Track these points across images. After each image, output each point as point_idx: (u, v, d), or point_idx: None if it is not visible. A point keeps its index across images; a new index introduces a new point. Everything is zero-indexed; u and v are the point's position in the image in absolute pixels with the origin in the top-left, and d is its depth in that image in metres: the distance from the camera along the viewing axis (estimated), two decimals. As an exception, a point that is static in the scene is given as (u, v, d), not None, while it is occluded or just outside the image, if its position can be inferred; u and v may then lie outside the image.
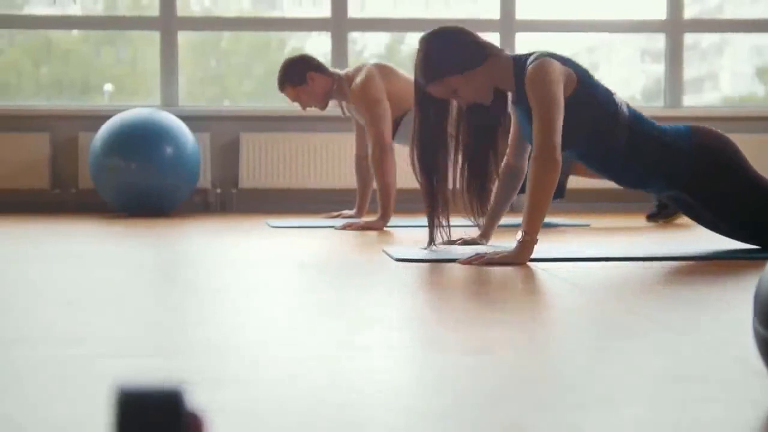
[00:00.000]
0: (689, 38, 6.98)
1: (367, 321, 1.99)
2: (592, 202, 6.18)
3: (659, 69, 6.88)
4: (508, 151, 3.41)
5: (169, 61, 6.37)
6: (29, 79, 7.46)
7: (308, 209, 6.02)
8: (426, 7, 7.76)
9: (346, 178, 6.12)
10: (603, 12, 6.95)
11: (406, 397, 1.34)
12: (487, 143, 3.32)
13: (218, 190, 6.28)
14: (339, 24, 6.43)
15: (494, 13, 6.51)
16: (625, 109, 3.18)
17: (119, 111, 5.78)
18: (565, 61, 3.14)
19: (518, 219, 4.40)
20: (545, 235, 4.13)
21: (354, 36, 7.14)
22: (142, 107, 5.85)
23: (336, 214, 5.36)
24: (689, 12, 7.00)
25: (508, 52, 3.26)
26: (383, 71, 4.82)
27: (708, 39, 8.41)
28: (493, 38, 6.54)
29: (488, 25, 6.55)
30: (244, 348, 1.69)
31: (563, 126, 3.04)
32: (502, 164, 3.41)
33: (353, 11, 6.60)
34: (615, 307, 2.19)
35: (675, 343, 1.75)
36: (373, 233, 4.37)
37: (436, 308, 2.20)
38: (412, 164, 3.34)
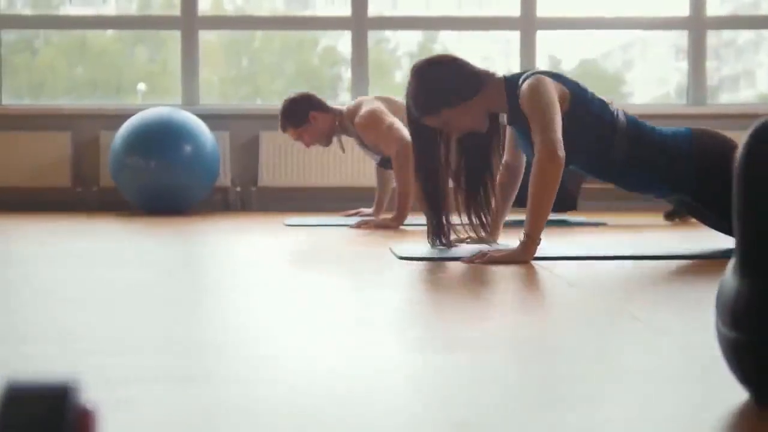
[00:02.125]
0: (726, 35, 6.90)
1: (358, 320, 2.00)
2: (610, 201, 6.14)
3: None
4: (506, 152, 3.43)
5: (190, 60, 6.41)
6: (64, 79, 7.54)
7: (328, 207, 6.03)
8: (459, 6, 7.75)
9: (366, 176, 6.13)
10: (625, 9, 6.90)
11: (401, 399, 1.34)
12: (482, 166, 3.34)
13: (238, 189, 6.31)
14: (359, 22, 6.43)
15: (514, 10, 6.49)
16: (622, 118, 3.17)
17: (140, 110, 5.82)
18: (557, 78, 3.14)
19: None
20: (556, 233, 4.12)
21: (387, 35, 7.16)
22: (162, 106, 5.89)
23: (353, 212, 5.37)
24: (724, 8, 6.94)
25: (499, 74, 3.25)
26: (384, 102, 4.83)
27: (744, 36, 8.32)
28: (513, 36, 6.57)
29: (508, 22, 6.53)
30: (241, 347, 1.71)
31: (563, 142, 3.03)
32: (501, 164, 3.44)
33: (385, 9, 6.61)
34: (606, 306, 2.18)
35: (657, 342, 1.74)
36: (387, 232, 4.38)
37: (428, 307, 2.21)
38: (418, 196, 3.36)
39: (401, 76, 8.08)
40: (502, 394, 1.35)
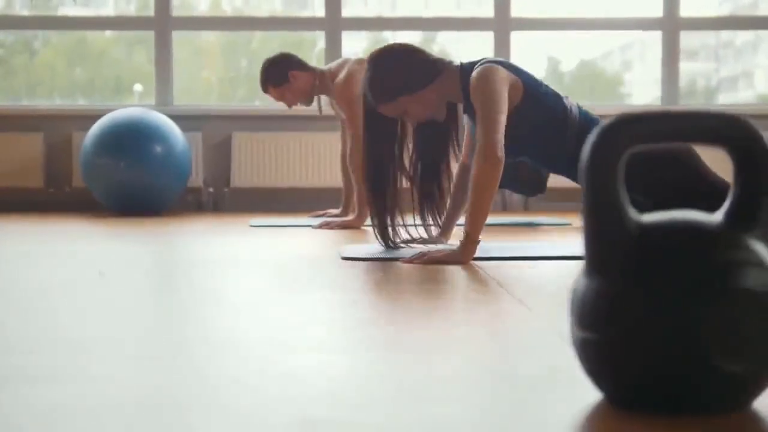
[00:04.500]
0: (724, 36, 6.89)
1: (268, 320, 2.01)
2: (577, 201, 6.14)
3: (694, 67, 6.80)
4: (462, 151, 3.42)
5: (163, 60, 6.42)
6: (63, 80, 7.57)
7: (300, 208, 6.05)
8: (457, 7, 7.78)
9: (338, 176, 6.13)
10: (600, 9, 6.90)
11: (258, 398, 1.36)
12: (439, 158, 3.34)
13: (210, 189, 6.32)
14: (333, 23, 6.44)
15: (488, 10, 6.49)
16: (575, 112, 3.18)
17: (112, 110, 5.83)
18: (511, 68, 3.14)
19: (496, 218, 4.41)
20: (518, 233, 4.13)
21: (386, 35, 7.17)
22: (133, 107, 5.90)
23: (321, 212, 5.39)
24: (723, 9, 6.91)
25: (457, 62, 3.26)
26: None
27: (743, 37, 8.32)
28: (487, 37, 6.57)
29: (482, 23, 6.54)
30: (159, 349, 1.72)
31: (513, 134, 3.04)
32: (458, 164, 3.44)
33: (387, 10, 6.61)
34: (520, 305, 2.19)
35: (549, 342, 1.75)
36: (350, 231, 4.40)
37: (343, 307, 2.22)
38: (363, 181, 3.36)
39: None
40: (371, 392, 1.37)
